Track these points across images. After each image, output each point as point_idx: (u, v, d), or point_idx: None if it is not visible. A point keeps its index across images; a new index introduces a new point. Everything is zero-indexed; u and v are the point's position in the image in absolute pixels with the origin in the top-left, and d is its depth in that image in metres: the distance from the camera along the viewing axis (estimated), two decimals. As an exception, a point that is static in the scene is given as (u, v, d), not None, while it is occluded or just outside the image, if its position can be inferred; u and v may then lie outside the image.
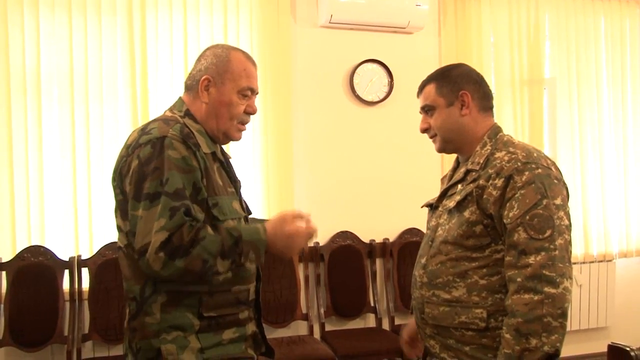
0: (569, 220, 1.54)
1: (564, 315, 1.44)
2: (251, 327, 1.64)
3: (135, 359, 1.54)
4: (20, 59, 3.24)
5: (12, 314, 3.12)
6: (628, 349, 2.06)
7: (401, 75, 3.84)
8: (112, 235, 3.29)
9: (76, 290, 3.26)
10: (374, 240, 3.80)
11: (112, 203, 1.58)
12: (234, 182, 1.69)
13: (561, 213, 1.50)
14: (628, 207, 4.37)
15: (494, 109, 1.76)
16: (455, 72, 1.71)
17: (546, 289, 1.43)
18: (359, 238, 3.78)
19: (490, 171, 1.57)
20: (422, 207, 1.87)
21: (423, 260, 1.71)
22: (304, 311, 3.63)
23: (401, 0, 3.69)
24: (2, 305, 3.16)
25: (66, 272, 3.26)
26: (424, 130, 1.75)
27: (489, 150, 1.63)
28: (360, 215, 3.81)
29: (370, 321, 3.79)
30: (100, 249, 3.29)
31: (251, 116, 1.68)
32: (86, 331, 3.24)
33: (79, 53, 3.32)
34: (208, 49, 1.68)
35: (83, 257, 3.29)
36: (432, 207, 1.79)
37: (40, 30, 3.27)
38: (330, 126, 3.79)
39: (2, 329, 3.14)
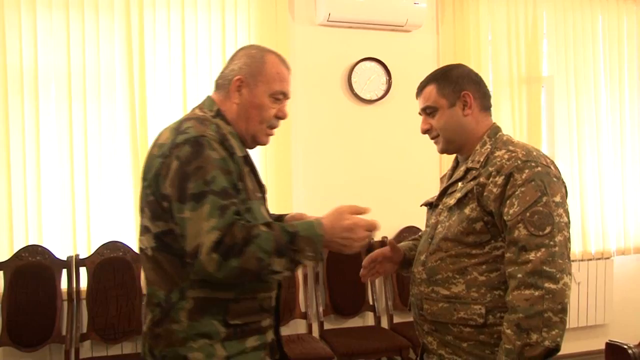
0: (568, 217, 1.55)
1: (564, 310, 1.45)
2: (270, 335, 1.59)
3: None
4: (17, 57, 3.23)
5: (9, 314, 3.12)
6: (626, 346, 2.07)
7: (399, 73, 3.85)
8: (110, 234, 3.29)
9: (74, 289, 3.26)
10: (372, 239, 3.79)
11: (111, 202, 1.57)
12: (261, 187, 1.64)
13: (560, 210, 1.51)
14: (626, 205, 4.38)
15: (492, 107, 1.76)
16: (455, 72, 1.71)
17: (547, 285, 1.44)
18: (357, 236, 3.77)
19: (490, 169, 1.58)
20: (421, 205, 1.88)
21: (422, 257, 1.72)
22: (303, 310, 3.63)
23: (399, -2, 3.69)
24: (0, 305, 3.14)
25: (64, 271, 3.26)
26: (425, 132, 1.75)
27: (488, 149, 1.64)
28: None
29: (369, 319, 3.79)
30: (98, 248, 3.27)
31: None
32: (84, 331, 3.23)
33: (76, 51, 3.31)
34: (242, 49, 1.64)
35: (81, 257, 3.28)
36: (432, 205, 1.80)
37: (37, 28, 3.26)
38: (328, 124, 3.79)
39: (-1, 328, 3.14)
